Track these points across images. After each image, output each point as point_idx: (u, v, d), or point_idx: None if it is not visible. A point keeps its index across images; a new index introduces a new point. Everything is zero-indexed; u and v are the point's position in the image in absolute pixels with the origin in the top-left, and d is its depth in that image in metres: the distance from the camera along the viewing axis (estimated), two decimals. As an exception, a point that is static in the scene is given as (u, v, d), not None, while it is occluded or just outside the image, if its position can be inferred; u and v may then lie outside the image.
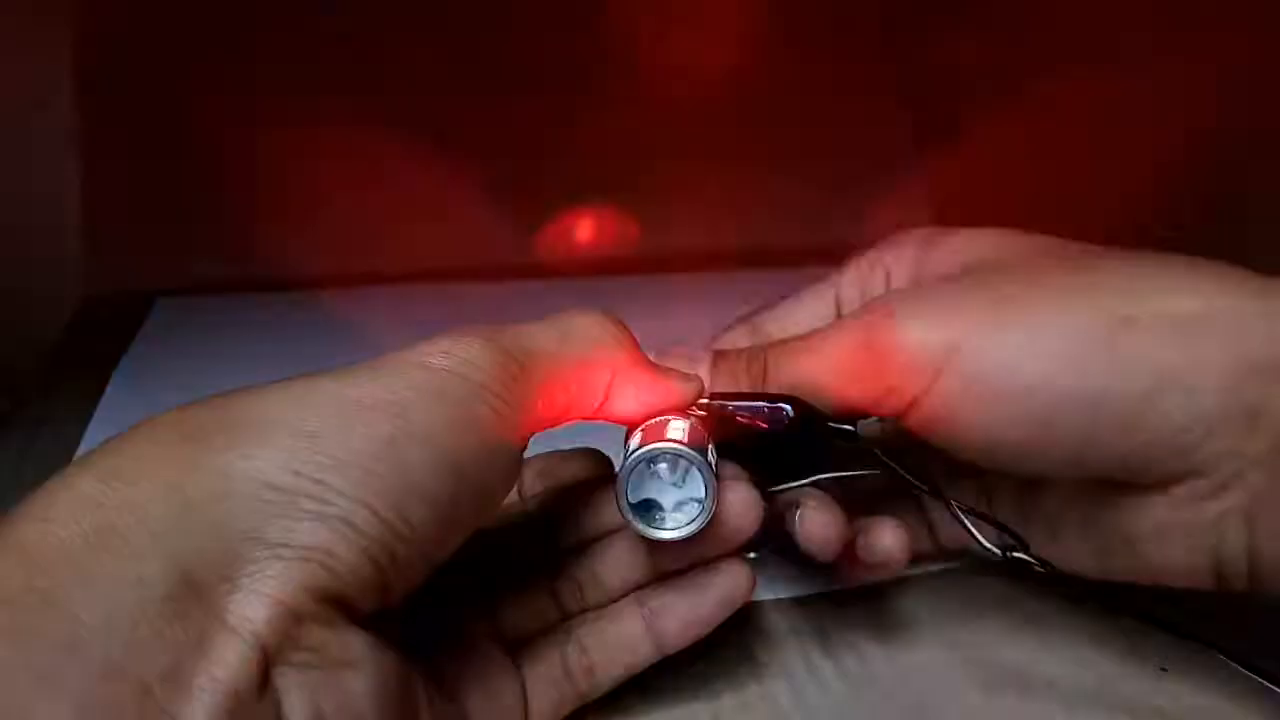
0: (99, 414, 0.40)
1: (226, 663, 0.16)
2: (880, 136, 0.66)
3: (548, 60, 0.63)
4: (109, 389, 0.42)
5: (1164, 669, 0.27)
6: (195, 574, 0.17)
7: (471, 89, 0.61)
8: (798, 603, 0.30)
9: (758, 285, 0.56)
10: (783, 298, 0.32)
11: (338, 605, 0.18)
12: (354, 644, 0.18)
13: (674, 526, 0.23)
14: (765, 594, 0.30)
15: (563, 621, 0.25)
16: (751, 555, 0.31)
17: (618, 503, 0.23)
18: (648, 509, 0.23)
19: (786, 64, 0.64)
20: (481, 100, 0.61)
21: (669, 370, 0.25)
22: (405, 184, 0.59)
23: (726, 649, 0.27)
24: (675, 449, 0.23)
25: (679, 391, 0.25)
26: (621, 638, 0.24)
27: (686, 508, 0.23)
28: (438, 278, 0.57)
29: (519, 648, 0.24)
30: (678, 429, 0.24)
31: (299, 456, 0.18)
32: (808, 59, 0.65)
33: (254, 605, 0.17)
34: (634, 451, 0.23)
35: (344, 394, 0.19)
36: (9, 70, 0.57)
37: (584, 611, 0.25)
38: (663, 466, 0.23)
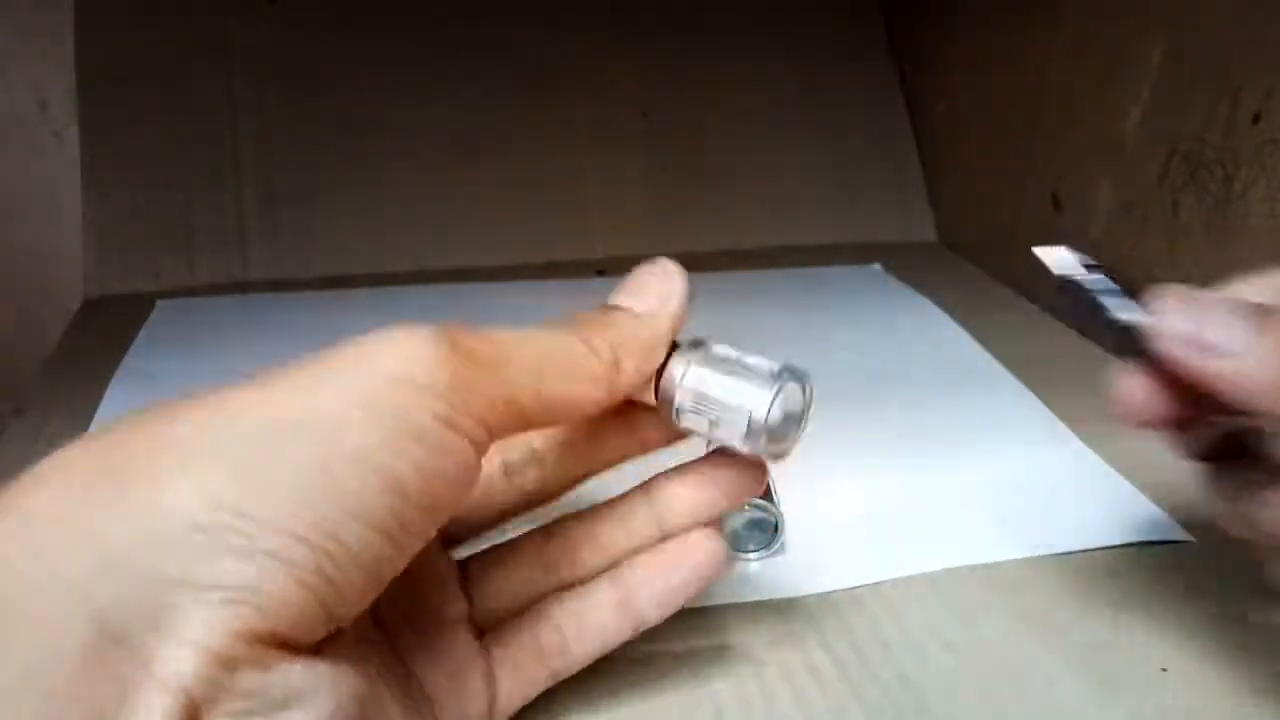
0: (99, 414, 0.40)
1: (151, 719, 0.16)
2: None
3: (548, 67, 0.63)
4: (109, 390, 0.42)
5: (1164, 669, 0.27)
6: (118, 625, 0.16)
7: (474, 92, 0.61)
8: (798, 603, 0.30)
9: (760, 285, 0.57)
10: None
11: (274, 643, 0.17)
12: (295, 680, 0.17)
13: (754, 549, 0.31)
14: (766, 594, 0.30)
15: (534, 601, 0.24)
16: (752, 558, 0.31)
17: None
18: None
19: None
20: (485, 102, 0.61)
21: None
22: (407, 184, 0.59)
23: (728, 648, 0.28)
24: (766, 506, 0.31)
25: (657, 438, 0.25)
26: (595, 615, 0.24)
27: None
28: (438, 278, 0.57)
29: (487, 629, 0.24)
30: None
31: (223, 488, 0.17)
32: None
33: (180, 656, 0.16)
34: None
35: (271, 414, 0.18)
36: (9, 70, 0.57)
37: (557, 590, 0.25)
38: None
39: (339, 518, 0.17)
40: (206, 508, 0.17)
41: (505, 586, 0.24)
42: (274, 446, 0.18)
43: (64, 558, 0.16)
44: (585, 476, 0.25)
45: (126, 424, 0.18)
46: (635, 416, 0.24)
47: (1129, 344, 0.22)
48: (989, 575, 0.31)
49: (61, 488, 0.17)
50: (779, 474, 0.33)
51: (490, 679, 0.23)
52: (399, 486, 0.18)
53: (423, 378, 0.19)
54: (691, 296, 0.23)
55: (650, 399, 0.23)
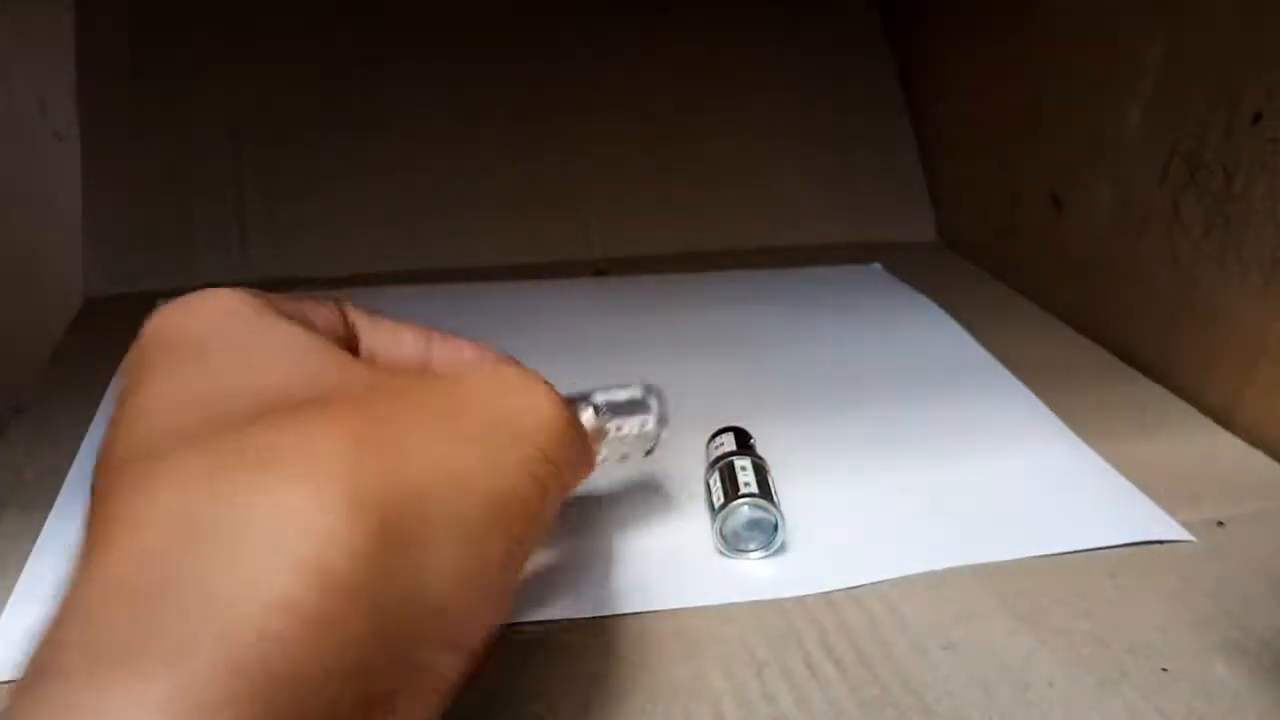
0: (99, 415, 0.40)
1: None
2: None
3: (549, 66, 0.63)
4: (109, 390, 0.42)
5: (1164, 669, 0.27)
6: (378, 690, 0.15)
7: (475, 92, 0.61)
8: (798, 603, 0.30)
9: (760, 284, 0.56)
10: None
11: None
12: None
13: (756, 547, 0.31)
14: (766, 594, 0.30)
15: None
16: (752, 557, 0.31)
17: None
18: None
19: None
20: (485, 102, 0.61)
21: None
22: (407, 184, 0.59)
23: (728, 648, 0.28)
24: (766, 506, 0.31)
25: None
26: None
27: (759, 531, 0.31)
28: (438, 278, 0.57)
29: None
30: (749, 476, 0.31)
31: (463, 567, 0.17)
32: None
33: None
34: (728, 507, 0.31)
35: (494, 485, 0.18)
36: (9, 70, 0.57)
37: None
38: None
39: (499, 611, 0.18)
40: (449, 587, 0.16)
41: None
42: (490, 531, 0.18)
43: (350, 621, 0.15)
44: None
45: (379, 429, 0.17)
46: None
47: None
48: (989, 575, 0.31)
49: (359, 549, 0.15)
50: (779, 474, 0.33)
51: None
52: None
53: (569, 472, 0.21)
54: None
55: None
